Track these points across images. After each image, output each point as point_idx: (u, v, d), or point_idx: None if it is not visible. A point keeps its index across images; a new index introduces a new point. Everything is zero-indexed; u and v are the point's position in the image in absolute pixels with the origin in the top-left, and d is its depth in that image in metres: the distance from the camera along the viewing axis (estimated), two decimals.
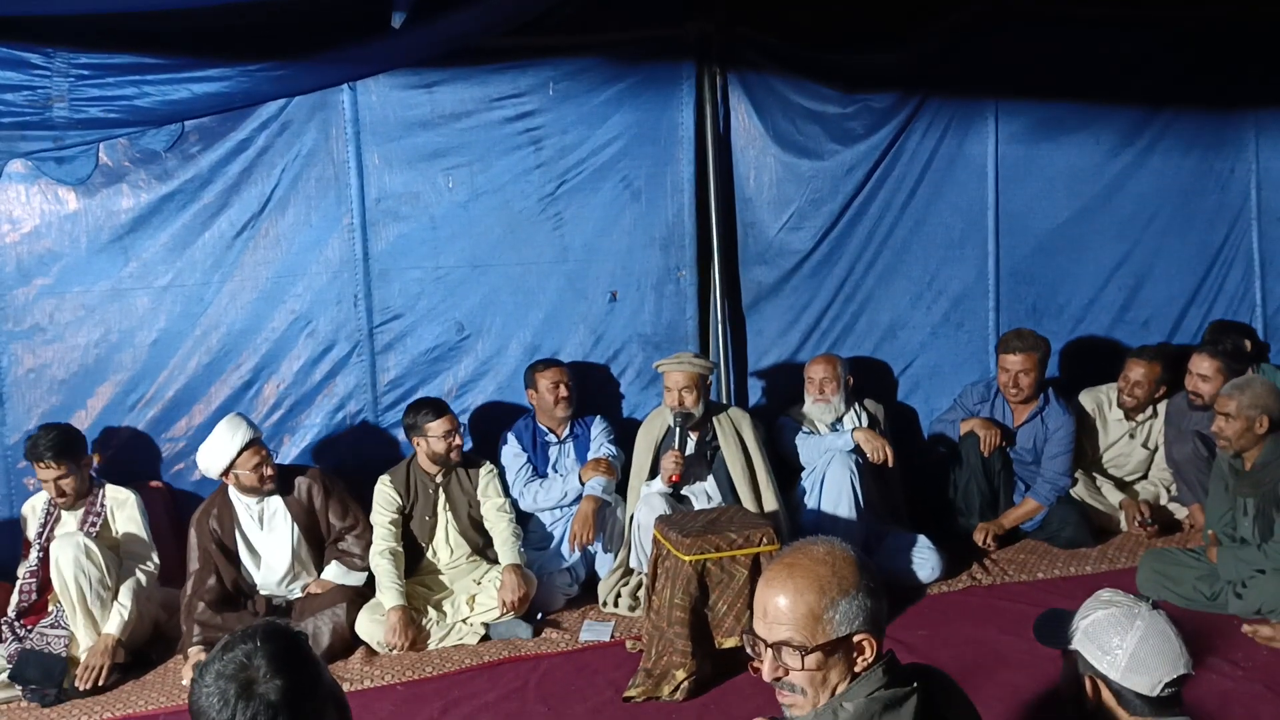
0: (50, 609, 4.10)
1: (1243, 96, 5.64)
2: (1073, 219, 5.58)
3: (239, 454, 4.16)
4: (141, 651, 4.13)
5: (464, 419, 4.92)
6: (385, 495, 4.41)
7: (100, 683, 3.88)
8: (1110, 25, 5.40)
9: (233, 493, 4.29)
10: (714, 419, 4.60)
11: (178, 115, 4.46)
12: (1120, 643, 2.21)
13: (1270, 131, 5.71)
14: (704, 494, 4.50)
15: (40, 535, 4.20)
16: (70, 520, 4.21)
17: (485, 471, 4.56)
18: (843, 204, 5.27)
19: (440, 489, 4.47)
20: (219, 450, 4.17)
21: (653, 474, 4.55)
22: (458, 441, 4.43)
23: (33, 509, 4.30)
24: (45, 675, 3.87)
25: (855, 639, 1.91)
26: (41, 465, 4.07)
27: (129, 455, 4.62)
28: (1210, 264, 5.76)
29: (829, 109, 5.20)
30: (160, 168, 4.54)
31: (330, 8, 4.19)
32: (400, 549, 4.34)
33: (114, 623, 4.01)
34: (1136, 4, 5.36)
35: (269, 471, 4.23)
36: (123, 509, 4.24)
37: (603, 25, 4.82)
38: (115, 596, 4.03)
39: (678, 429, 4.43)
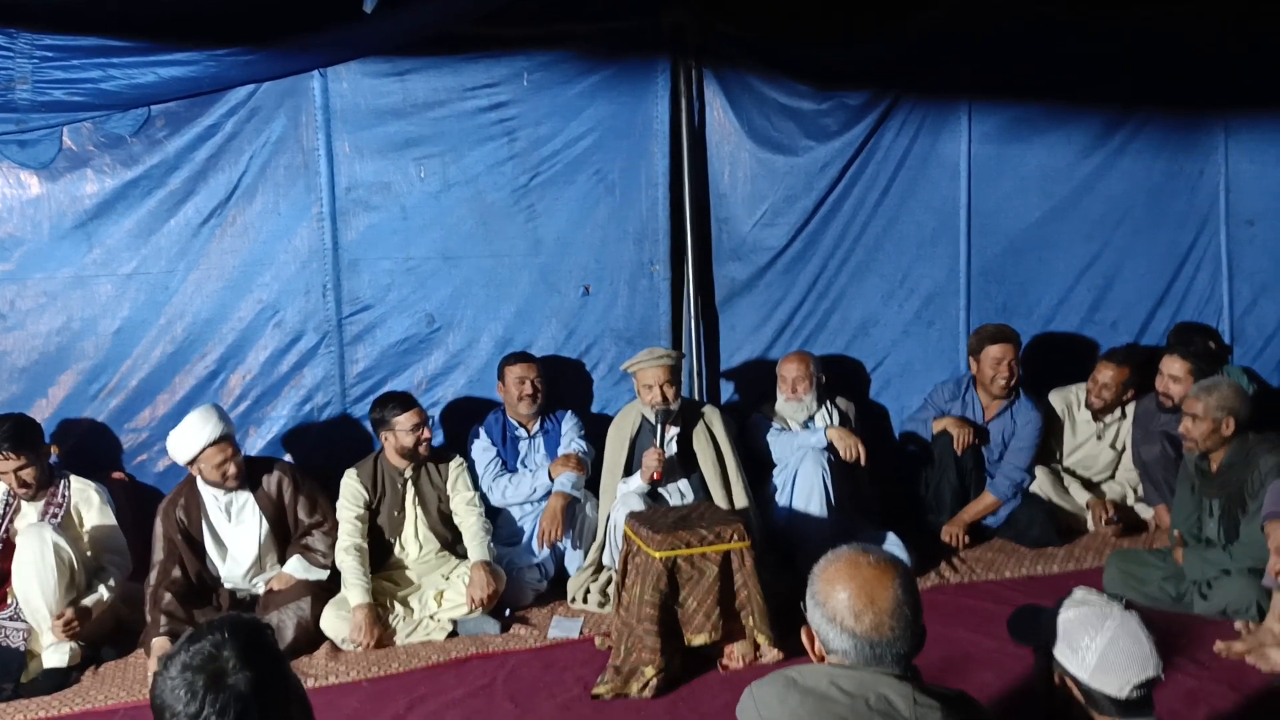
0: (9, 601, 4.01)
1: (1213, 100, 5.68)
2: (1044, 219, 5.61)
3: (204, 449, 4.08)
4: (103, 646, 4.05)
5: (434, 412, 4.88)
6: (352, 489, 4.35)
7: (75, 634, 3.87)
8: (1082, 27, 5.41)
9: (201, 483, 4.22)
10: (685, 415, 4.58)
11: (144, 99, 4.37)
12: (1089, 643, 2.21)
13: (1239, 135, 5.76)
14: (677, 491, 4.48)
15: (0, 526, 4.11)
16: (31, 511, 4.12)
17: (455, 465, 4.51)
18: (816, 201, 5.27)
19: (409, 483, 4.42)
20: (186, 440, 4.10)
21: (628, 471, 4.53)
22: (426, 434, 4.38)
23: None
24: (2, 670, 3.81)
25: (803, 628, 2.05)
26: None
27: (90, 445, 4.54)
28: (1179, 265, 5.80)
29: (804, 105, 5.19)
30: (125, 152, 4.45)
31: None
32: (365, 545, 4.28)
33: (90, 599, 3.97)
34: (1108, 5, 5.39)
35: (232, 470, 4.14)
36: (90, 503, 4.17)
37: (577, 16, 4.78)
38: (81, 594, 3.97)
39: (659, 425, 4.40)
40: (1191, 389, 4.21)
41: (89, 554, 4.12)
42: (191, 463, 4.14)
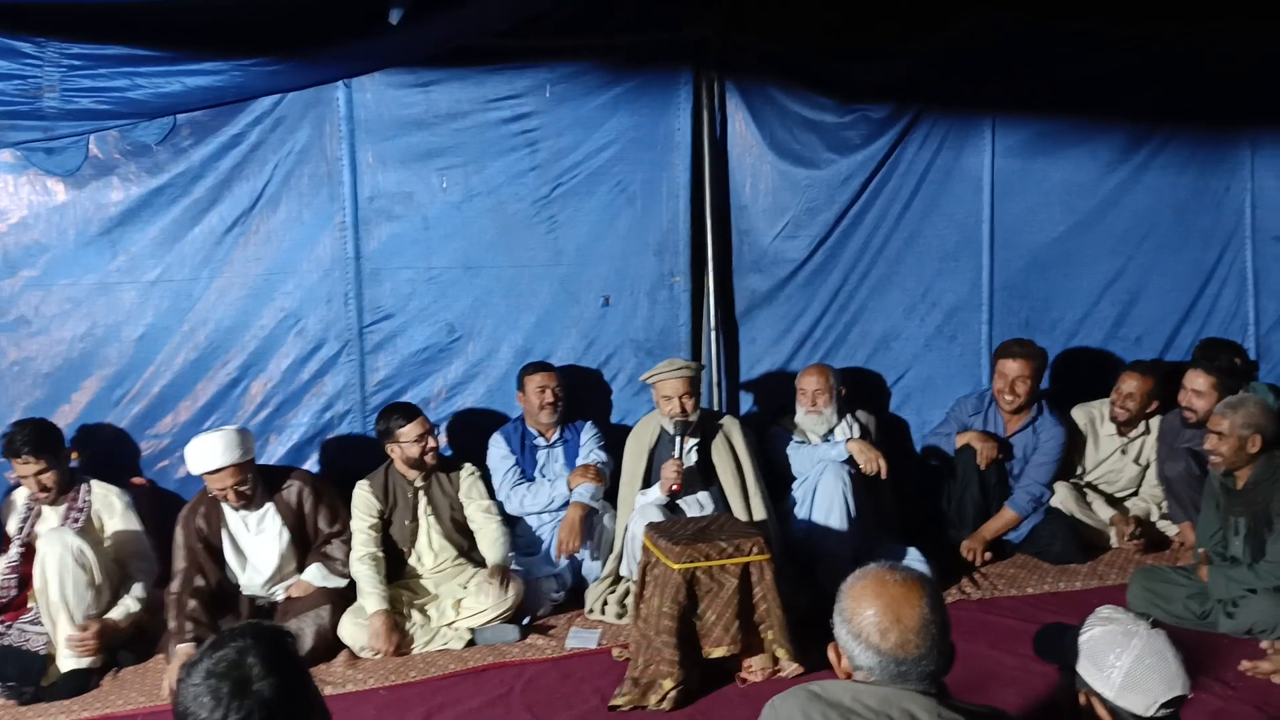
0: (30, 605, 4.04)
1: (1238, 115, 5.64)
2: (1067, 234, 5.58)
3: (215, 471, 4.05)
4: (122, 650, 4.06)
5: (453, 422, 4.88)
6: (364, 500, 4.35)
7: (91, 657, 3.88)
8: (1108, 41, 5.40)
9: None
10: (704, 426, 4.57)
11: (170, 108, 4.42)
12: (1116, 661, 2.20)
13: (1265, 151, 5.71)
14: (696, 503, 4.46)
15: (21, 530, 4.13)
16: (52, 516, 4.15)
17: (466, 474, 4.51)
18: (838, 214, 5.25)
19: (420, 493, 4.42)
20: (202, 458, 4.05)
21: (646, 482, 4.51)
22: (432, 444, 4.37)
23: (13, 503, 4.24)
24: (23, 673, 3.82)
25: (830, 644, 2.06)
26: (20, 460, 4.01)
27: (112, 451, 4.56)
28: (1204, 282, 5.76)
29: (826, 118, 5.18)
30: (151, 161, 4.49)
31: (328, 3, 4.16)
32: (380, 554, 4.27)
33: (119, 610, 4.00)
34: (1133, 20, 5.36)
35: (232, 497, 4.10)
36: (112, 509, 4.19)
37: (601, 28, 4.80)
38: (104, 600, 3.99)
39: (678, 437, 4.39)
40: (1217, 406, 4.18)
41: (112, 559, 4.14)
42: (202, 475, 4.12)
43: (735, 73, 5.04)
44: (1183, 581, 4.15)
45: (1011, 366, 4.93)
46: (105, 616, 3.97)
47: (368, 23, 4.14)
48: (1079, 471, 5.23)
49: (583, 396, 4.99)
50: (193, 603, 4.01)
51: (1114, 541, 4.96)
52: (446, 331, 4.90)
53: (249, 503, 4.19)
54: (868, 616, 1.95)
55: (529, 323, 4.98)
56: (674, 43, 4.92)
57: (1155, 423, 5.11)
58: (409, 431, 4.32)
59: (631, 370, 5.10)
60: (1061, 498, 5.00)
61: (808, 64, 5.09)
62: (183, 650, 3.87)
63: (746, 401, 5.34)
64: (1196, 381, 4.78)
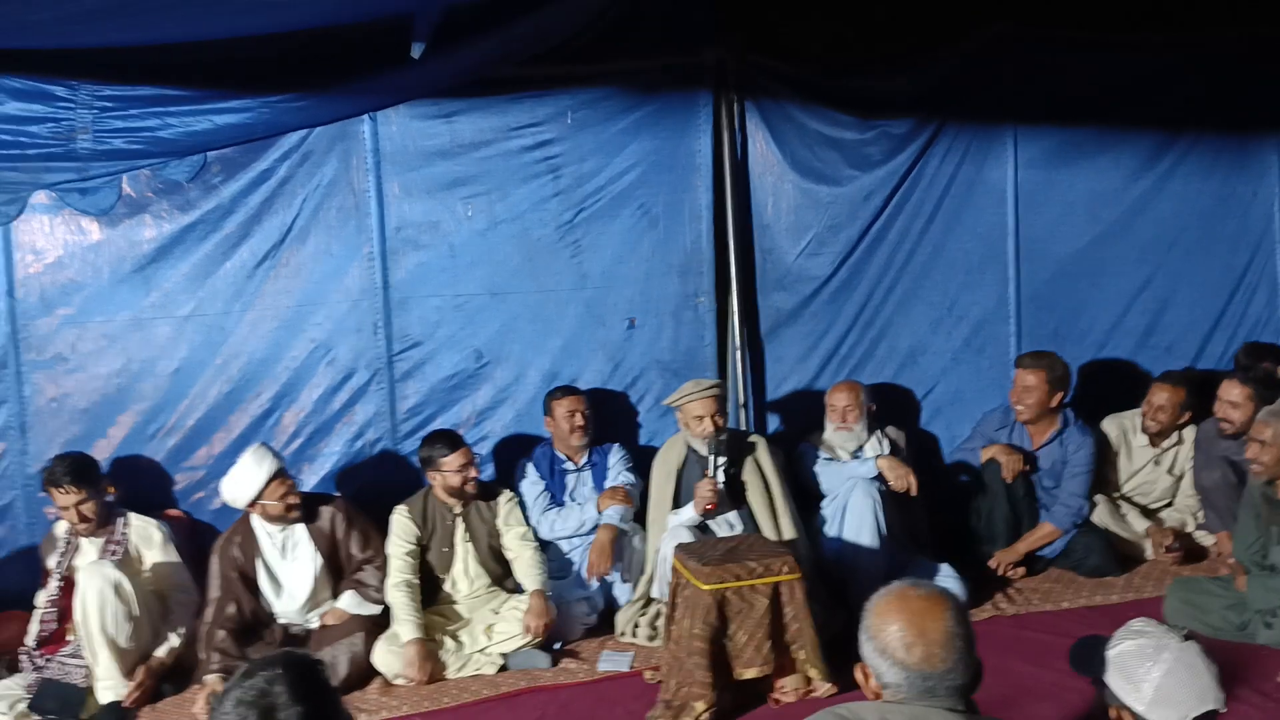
0: (70, 639, 4.09)
1: (1263, 120, 5.60)
2: (1093, 243, 5.55)
3: (266, 485, 4.15)
4: (165, 684, 4.10)
5: (483, 447, 4.92)
6: (402, 525, 4.38)
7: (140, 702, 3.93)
8: (1128, 49, 5.38)
9: (256, 521, 4.28)
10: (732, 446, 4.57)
11: (200, 146, 4.50)
12: (1146, 675, 2.19)
13: None
14: (725, 523, 4.46)
15: (60, 564, 4.20)
16: (90, 549, 4.20)
17: (505, 500, 4.53)
18: (861, 230, 5.26)
19: (458, 519, 4.45)
20: (246, 482, 4.15)
21: (675, 503, 4.51)
22: (473, 474, 4.40)
23: (53, 538, 4.31)
24: (64, 706, 3.86)
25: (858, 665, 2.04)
26: (60, 491, 4.07)
27: (147, 485, 4.62)
28: (1234, 288, 5.70)
29: (846, 135, 5.20)
30: (182, 198, 4.58)
31: (351, 39, 4.23)
32: (416, 581, 4.30)
33: (164, 649, 4.07)
34: (1154, 27, 5.35)
35: (294, 500, 4.23)
36: (151, 541, 4.25)
37: (620, 54, 4.83)
38: (144, 631, 4.04)
39: (711, 456, 4.39)
40: (1259, 414, 4.12)
41: (151, 591, 4.19)
42: (254, 502, 4.19)
43: (754, 93, 5.07)
44: (1220, 592, 4.10)
45: (1018, 377, 4.93)
46: (153, 656, 4.03)
47: (390, 57, 4.21)
48: (1114, 483, 5.17)
49: (610, 419, 5.01)
50: (221, 634, 4.06)
51: (1149, 553, 4.90)
52: (474, 357, 4.94)
53: (300, 511, 4.26)
54: (892, 632, 1.95)
55: (555, 346, 5.01)
56: (693, 66, 4.96)
57: (1188, 433, 5.05)
58: (452, 461, 4.35)
59: (658, 392, 5.11)
60: (1095, 511, 4.95)
61: (826, 82, 5.11)
62: (211, 682, 3.92)
63: (773, 421, 5.34)
64: (1232, 393, 4.71)
